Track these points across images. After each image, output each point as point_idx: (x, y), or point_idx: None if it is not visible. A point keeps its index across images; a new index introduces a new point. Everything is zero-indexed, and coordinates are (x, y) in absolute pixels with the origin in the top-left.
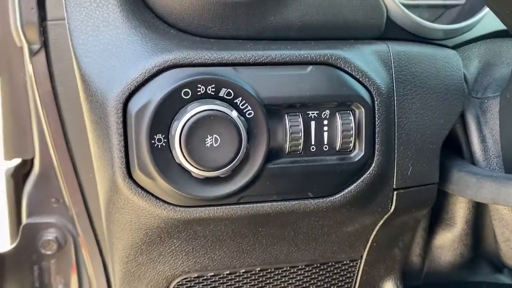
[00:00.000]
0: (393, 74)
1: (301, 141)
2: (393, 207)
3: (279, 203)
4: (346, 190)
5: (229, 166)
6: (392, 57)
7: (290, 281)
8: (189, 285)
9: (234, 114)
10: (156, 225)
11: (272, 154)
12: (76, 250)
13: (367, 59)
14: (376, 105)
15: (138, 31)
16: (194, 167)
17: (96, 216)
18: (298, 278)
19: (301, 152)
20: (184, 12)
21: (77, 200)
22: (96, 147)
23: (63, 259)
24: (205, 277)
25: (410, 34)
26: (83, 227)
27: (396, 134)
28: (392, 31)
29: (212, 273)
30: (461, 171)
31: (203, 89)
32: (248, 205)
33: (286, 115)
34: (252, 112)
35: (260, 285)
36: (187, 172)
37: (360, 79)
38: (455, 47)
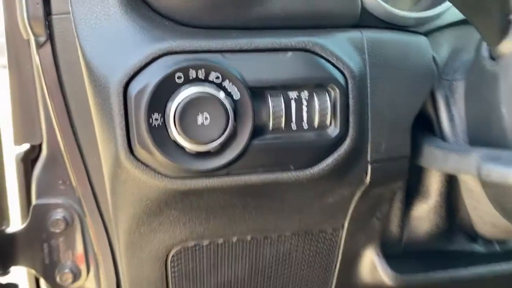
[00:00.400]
0: (367, 59)
1: (283, 119)
2: (368, 179)
3: (264, 175)
4: (324, 163)
5: (218, 141)
6: (365, 44)
7: (278, 249)
8: (186, 253)
9: (222, 95)
10: (155, 196)
11: (257, 131)
12: (83, 229)
13: (342, 45)
14: (349, 86)
15: (136, 23)
16: (188, 142)
17: (102, 198)
18: (286, 246)
19: (283, 129)
20: (177, 6)
21: (83, 182)
22: (101, 127)
23: (71, 237)
24: (201, 246)
25: (384, 22)
26: (89, 208)
27: (369, 113)
28: (367, 20)
29: (208, 242)
30: (431, 145)
31: (194, 74)
32: (236, 177)
33: (269, 96)
34: (239, 93)
35: (251, 253)
36: (181, 147)
37: (335, 63)
38: (427, 33)
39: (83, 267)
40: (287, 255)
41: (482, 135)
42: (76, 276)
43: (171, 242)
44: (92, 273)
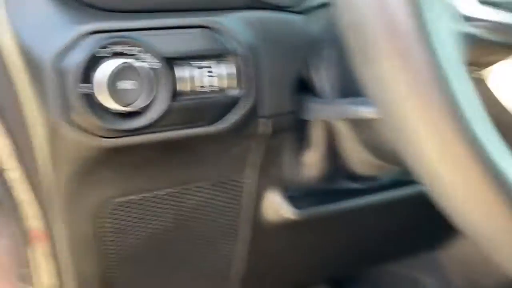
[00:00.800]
0: (256, 34)
1: (195, 84)
2: (267, 131)
3: (183, 130)
4: (230, 118)
5: (142, 103)
6: (255, 21)
7: (197, 199)
8: (118, 209)
9: (143, 65)
10: (89, 155)
11: (175, 94)
12: (16, 207)
13: (235, 23)
14: (245, 56)
15: (62, 9)
16: (115, 105)
17: (33, 175)
18: (203, 196)
19: (196, 92)
20: None
21: (14, 163)
22: (36, 103)
23: (4, 217)
24: (130, 201)
25: (269, 4)
26: (21, 185)
27: (262, 77)
28: (255, 2)
29: (136, 197)
30: (312, 102)
31: (118, 48)
32: (159, 134)
33: (182, 65)
34: (157, 64)
35: (174, 205)
36: (110, 111)
37: (232, 37)
38: (304, 12)
39: (19, 245)
40: (204, 204)
41: (350, 91)
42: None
43: (103, 199)
44: (28, 248)
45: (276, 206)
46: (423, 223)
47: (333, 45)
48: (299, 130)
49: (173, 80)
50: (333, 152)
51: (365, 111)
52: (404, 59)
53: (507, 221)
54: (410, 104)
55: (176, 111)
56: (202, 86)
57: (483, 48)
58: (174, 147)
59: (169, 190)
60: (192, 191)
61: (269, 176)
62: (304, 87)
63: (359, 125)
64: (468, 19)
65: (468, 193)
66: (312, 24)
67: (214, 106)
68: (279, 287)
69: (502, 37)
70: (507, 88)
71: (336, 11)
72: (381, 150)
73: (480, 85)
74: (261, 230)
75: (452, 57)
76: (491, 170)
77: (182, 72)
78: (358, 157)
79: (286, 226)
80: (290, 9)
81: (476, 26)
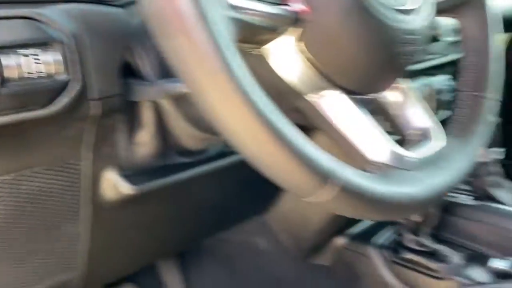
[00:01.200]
0: (78, 24)
1: (23, 70)
2: (95, 113)
3: (14, 115)
4: (58, 101)
5: None
6: (76, 13)
7: (34, 185)
8: None
9: None
10: None
11: (4, 81)
12: None
13: (58, 14)
14: (69, 44)
15: None
16: None
17: None
18: (39, 181)
19: (24, 78)
20: None
21: None
22: None
23: None
24: None
25: None
26: None
27: (88, 62)
28: None
29: None
30: (137, 84)
31: None
32: None
33: (8, 54)
34: None
35: (12, 191)
36: None
37: (56, 28)
38: (124, 6)
39: None
40: (42, 190)
41: (169, 73)
42: None
43: None
44: None
45: (114, 184)
46: (251, 189)
47: (150, 34)
48: (130, 112)
49: (0, 67)
50: (163, 130)
51: (180, 87)
52: (189, 38)
53: (288, 158)
54: (197, 74)
55: (5, 97)
56: (30, 73)
57: (253, 30)
58: (7, 134)
59: (4, 177)
60: (28, 177)
61: (104, 156)
62: (131, 72)
63: (179, 102)
64: (234, 7)
65: (256, 142)
66: (132, 16)
67: (43, 91)
68: (127, 265)
69: (266, 22)
70: (281, 61)
71: (140, 5)
72: (200, 122)
73: (260, 60)
74: (102, 209)
75: (224, 35)
76: (267, 120)
77: (8, 60)
78: (184, 132)
79: (125, 203)
80: (111, 3)
81: (242, 13)
